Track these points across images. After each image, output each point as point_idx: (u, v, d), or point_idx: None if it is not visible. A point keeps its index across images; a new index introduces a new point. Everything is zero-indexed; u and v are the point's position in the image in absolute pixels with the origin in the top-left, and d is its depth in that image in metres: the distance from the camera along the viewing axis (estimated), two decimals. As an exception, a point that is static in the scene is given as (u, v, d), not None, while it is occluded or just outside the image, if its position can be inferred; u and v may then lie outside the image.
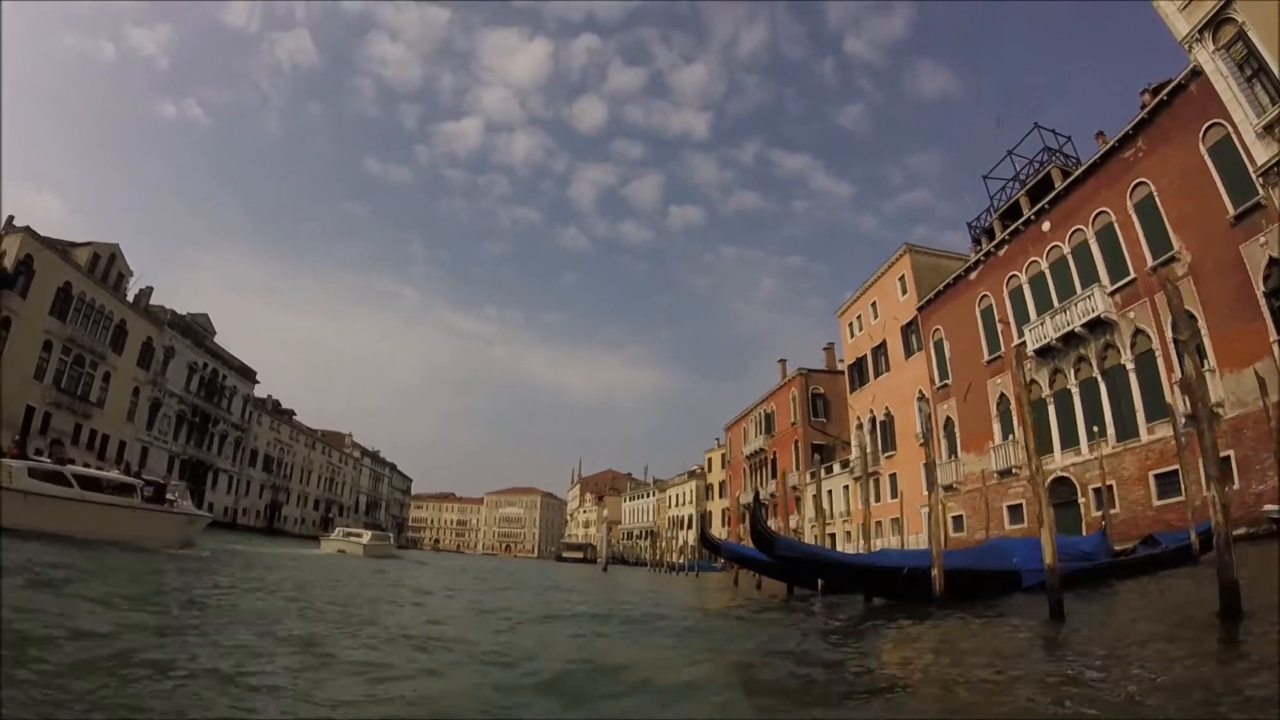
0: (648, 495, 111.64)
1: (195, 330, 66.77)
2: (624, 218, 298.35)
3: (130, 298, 56.31)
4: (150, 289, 59.65)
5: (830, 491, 47.70)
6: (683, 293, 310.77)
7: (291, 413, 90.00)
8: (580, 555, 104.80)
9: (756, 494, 35.47)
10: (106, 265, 53.25)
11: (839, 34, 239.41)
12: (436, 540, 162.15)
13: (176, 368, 63.04)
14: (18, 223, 45.25)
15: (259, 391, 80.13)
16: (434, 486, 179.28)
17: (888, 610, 13.30)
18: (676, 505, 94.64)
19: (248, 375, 76.12)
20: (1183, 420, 21.69)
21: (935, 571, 12.94)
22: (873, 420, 43.35)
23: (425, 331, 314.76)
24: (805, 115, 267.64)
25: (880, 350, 43.60)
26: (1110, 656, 7.05)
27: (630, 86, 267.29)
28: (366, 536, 44.57)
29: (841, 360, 52.76)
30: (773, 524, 41.59)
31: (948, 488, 33.58)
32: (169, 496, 25.13)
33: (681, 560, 55.87)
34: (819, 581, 18.17)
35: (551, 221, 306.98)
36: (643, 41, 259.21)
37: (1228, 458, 20.04)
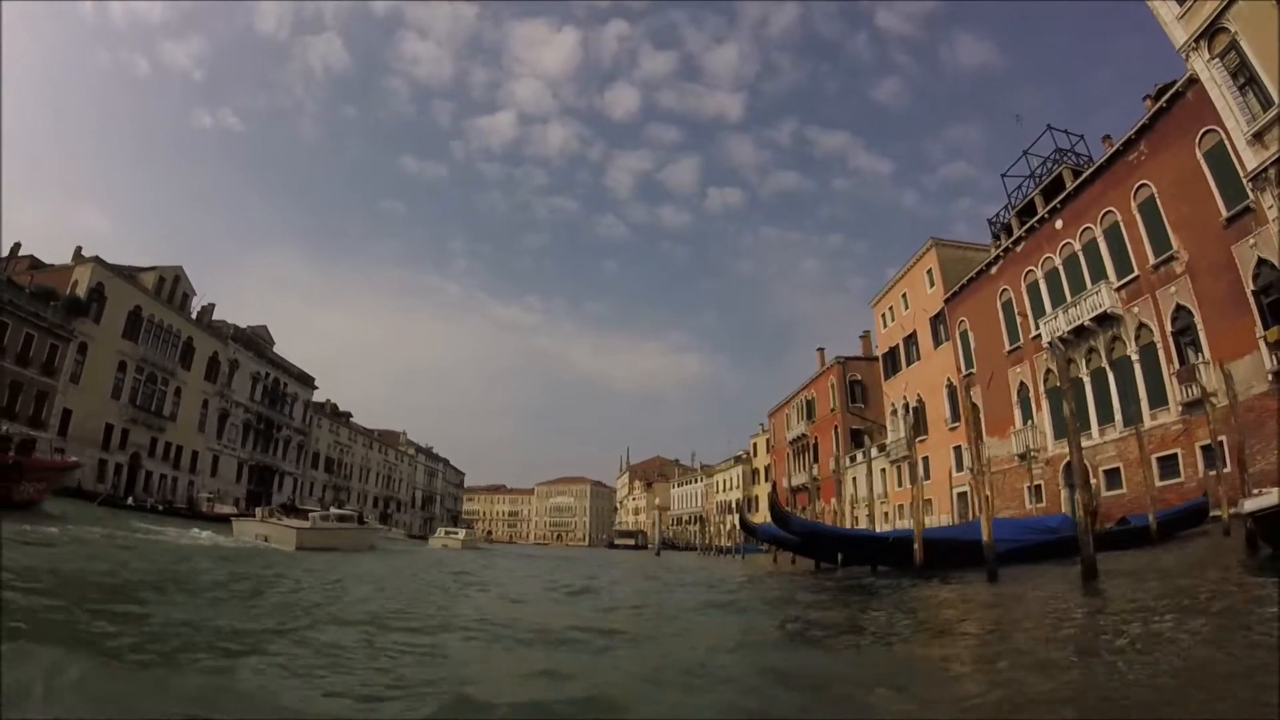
0: (695, 481, 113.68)
1: (256, 342, 70.16)
2: (662, 203, 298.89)
3: (194, 315, 59.68)
4: (213, 305, 63.08)
5: (870, 474, 49.74)
6: (724, 276, 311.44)
7: (349, 415, 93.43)
8: (632, 542, 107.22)
9: (774, 483, 38.09)
10: (172, 287, 56.65)
11: (870, 7, 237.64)
12: (489, 532, 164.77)
13: (241, 379, 66.57)
14: (65, 240, 49.85)
15: (317, 396, 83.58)
16: (484, 479, 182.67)
17: (881, 575, 17.83)
18: (724, 490, 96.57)
19: (306, 381, 79.49)
20: (1178, 409, 23.65)
21: (916, 545, 15.98)
22: (906, 406, 45.24)
23: (470, 325, 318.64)
24: (841, 92, 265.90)
25: (911, 340, 45.48)
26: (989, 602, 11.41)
27: (662, 71, 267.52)
28: (461, 534, 59.70)
29: (877, 348, 54.56)
30: (817, 505, 44.30)
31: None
32: (364, 520, 39.74)
33: (729, 544, 58.14)
34: (839, 556, 21.68)
35: (590, 210, 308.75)
36: (672, 24, 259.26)
37: (1220, 443, 21.87)
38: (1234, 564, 12.41)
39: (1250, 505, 12.68)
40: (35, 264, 49.98)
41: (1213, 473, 20.45)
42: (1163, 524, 19.90)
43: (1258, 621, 6.97)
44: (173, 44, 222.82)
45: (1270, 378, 20.50)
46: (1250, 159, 21.56)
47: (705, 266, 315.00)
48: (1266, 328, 20.93)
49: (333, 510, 35.16)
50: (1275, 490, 12.41)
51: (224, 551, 19.86)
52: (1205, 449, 22.68)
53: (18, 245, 50.19)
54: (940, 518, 38.02)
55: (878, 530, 37.51)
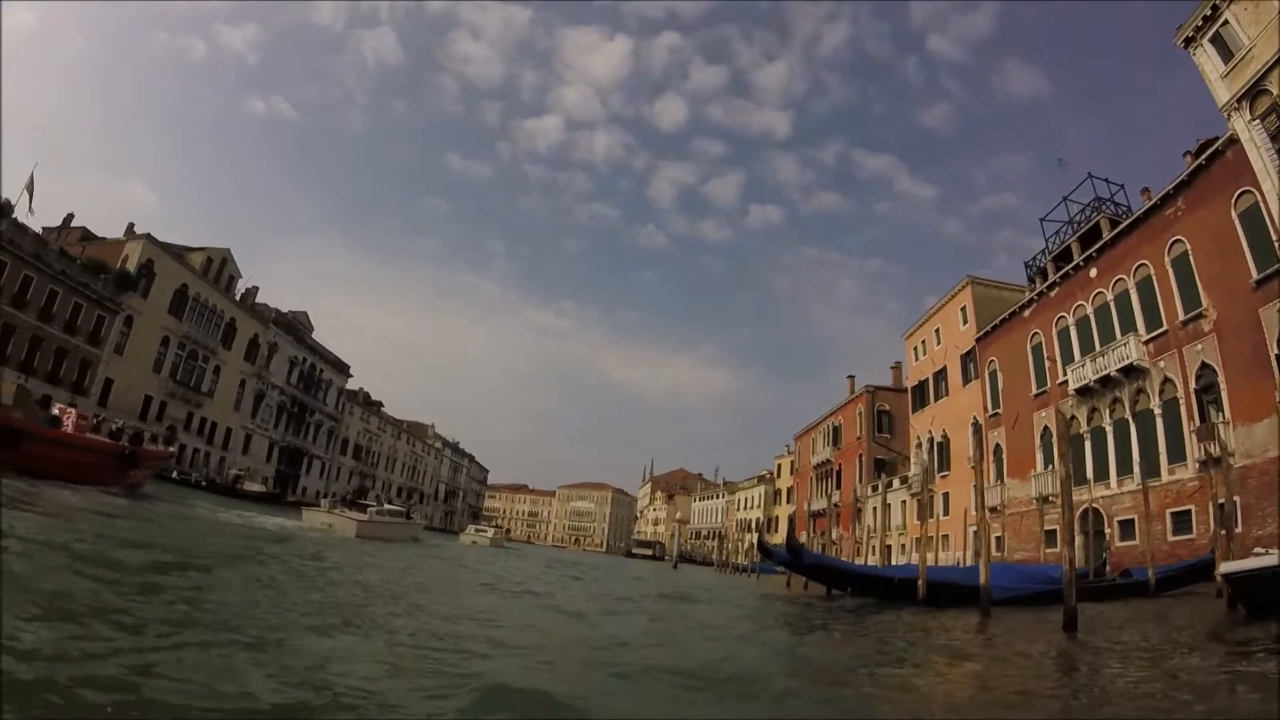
0: (717, 497, 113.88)
1: (296, 327, 71.71)
2: (703, 216, 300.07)
3: (238, 297, 61.22)
4: (256, 289, 64.79)
5: (890, 505, 49.95)
6: (760, 292, 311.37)
7: (380, 404, 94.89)
8: (649, 553, 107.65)
9: (791, 518, 38.98)
10: (219, 268, 58.31)
11: (922, 31, 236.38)
12: (508, 530, 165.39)
13: (279, 362, 68.20)
14: (113, 213, 51.75)
15: (351, 384, 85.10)
16: (507, 477, 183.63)
17: (884, 606, 19.00)
18: (745, 508, 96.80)
19: (342, 369, 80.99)
20: (1195, 466, 23.81)
21: (920, 583, 17.73)
22: (931, 441, 45.42)
23: (504, 325, 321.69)
24: (888, 115, 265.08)
25: (941, 375, 45.63)
26: (976, 637, 12.89)
27: (711, 85, 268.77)
28: (491, 532, 61.28)
29: (907, 380, 54.73)
30: (834, 532, 44.82)
31: (993, 509, 35.75)
32: (410, 516, 44.40)
33: (746, 562, 58.54)
34: (849, 588, 23.12)
35: (630, 219, 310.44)
36: (724, 39, 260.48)
37: (1222, 505, 22.10)
38: (1203, 623, 12.94)
39: (1225, 568, 13.30)
40: (86, 235, 51.50)
41: (1223, 531, 20.69)
42: (1162, 580, 20.30)
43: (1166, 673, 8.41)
44: (230, 28, 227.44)
45: (1288, 442, 20.64)
46: (1283, 223, 21.66)
47: (742, 282, 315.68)
48: (1288, 392, 21.06)
49: (386, 506, 39.91)
50: (1259, 555, 12.94)
51: (330, 540, 23.98)
52: (1218, 507, 22.90)
53: (70, 216, 51.79)
54: (955, 554, 38.16)
55: (893, 562, 38.09)
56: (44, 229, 45.70)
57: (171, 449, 39.48)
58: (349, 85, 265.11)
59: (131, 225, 51.58)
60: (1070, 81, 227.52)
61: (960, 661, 9.69)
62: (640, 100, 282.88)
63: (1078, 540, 29.40)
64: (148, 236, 50.30)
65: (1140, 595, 19.62)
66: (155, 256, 50.63)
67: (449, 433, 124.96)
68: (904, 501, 48.08)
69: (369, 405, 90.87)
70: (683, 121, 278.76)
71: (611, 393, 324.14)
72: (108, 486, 22.33)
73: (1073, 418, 31.28)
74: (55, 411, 24.03)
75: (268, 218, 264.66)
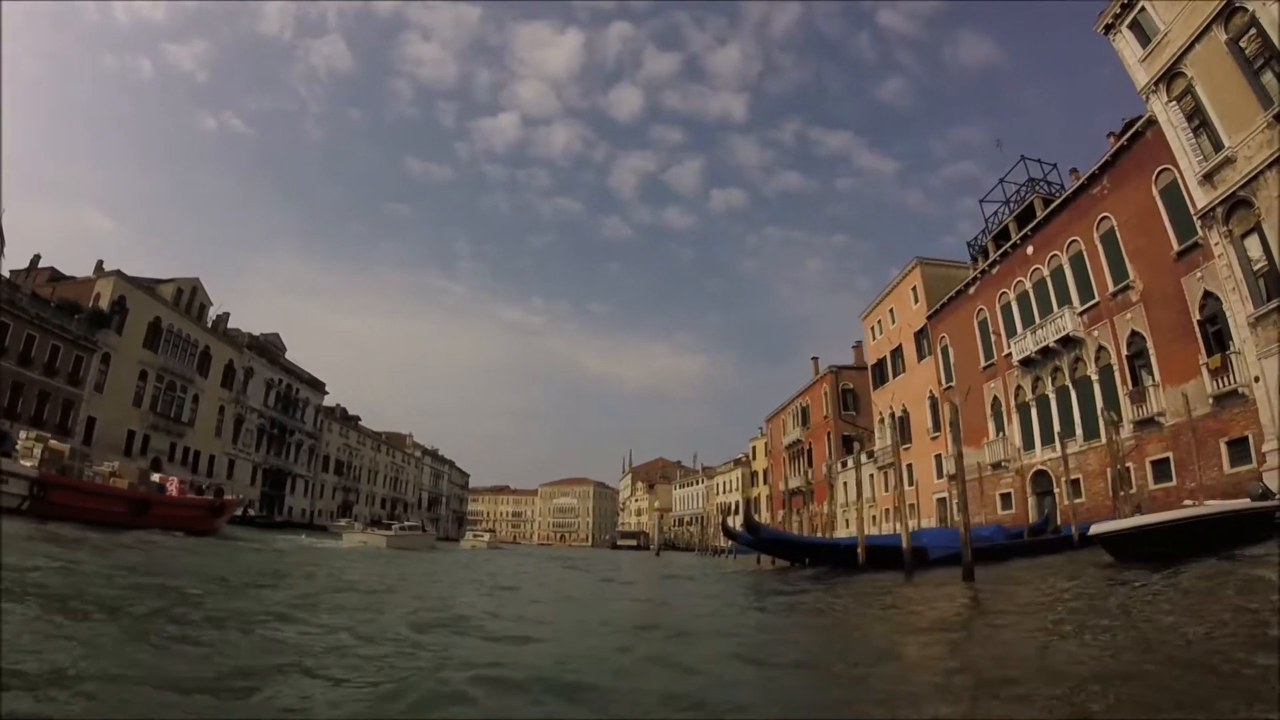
0: (697, 483, 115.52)
1: (270, 349, 72.28)
2: (666, 204, 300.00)
3: (210, 324, 61.77)
4: (227, 314, 65.14)
5: (860, 481, 51.80)
6: (729, 277, 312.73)
7: (357, 419, 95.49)
8: (634, 543, 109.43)
9: (748, 499, 41.86)
10: (190, 297, 58.72)
11: (872, 6, 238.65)
12: (493, 532, 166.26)
13: (255, 385, 68.69)
14: (72, 243, 52.84)
15: (327, 400, 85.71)
16: (488, 479, 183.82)
17: (832, 573, 22.50)
18: (724, 492, 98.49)
19: (317, 387, 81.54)
20: (1130, 427, 25.67)
21: (860, 549, 22.24)
22: (892, 416, 47.27)
23: (475, 327, 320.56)
24: (844, 92, 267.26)
25: (897, 353, 47.62)
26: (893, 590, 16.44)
27: (665, 72, 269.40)
28: (486, 536, 72.18)
29: (867, 358, 56.52)
30: (805, 511, 46.70)
31: (952, 477, 37.62)
32: (425, 529, 54.44)
33: (726, 545, 60.26)
34: (806, 559, 26.47)
35: (594, 211, 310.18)
36: (675, 26, 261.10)
37: (1168, 459, 24.00)
38: (1083, 570, 15.36)
39: (1094, 529, 16.36)
40: (55, 275, 51.81)
41: (1122, 491, 22.93)
42: (1085, 535, 22.32)
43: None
44: (176, 46, 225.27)
45: (1211, 401, 22.45)
46: (1200, 198, 23.08)
47: (711, 267, 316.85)
48: (1210, 355, 22.84)
49: (406, 523, 52.82)
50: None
51: (384, 555, 31.72)
52: (1155, 464, 24.75)
53: (37, 257, 52.03)
54: (923, 521, 40.10)
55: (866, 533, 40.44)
56: (12, 272, 46.14)
57: (241, 497, 46.64)
58: (301, 95, 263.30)
59: (101, 263, 51.94)
60: (1022, 50, 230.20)
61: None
62: (596, 92, 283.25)
63: (1030, 501, 31.54)
64: (118, 273, 50.72)
65: (1068, 548, 21.97)
66: (126, 292, 51.06)
67: (428, 440, 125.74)
68: (872, 475, 49.96)
69: (346, 420, 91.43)
70: (639, 110, 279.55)
71: (587, 386, 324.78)
72: (203, 533, 29.64)
73: (1019, 387, 33.19)
74: (157, 479, 31.58)
75: (229, 234, 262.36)
